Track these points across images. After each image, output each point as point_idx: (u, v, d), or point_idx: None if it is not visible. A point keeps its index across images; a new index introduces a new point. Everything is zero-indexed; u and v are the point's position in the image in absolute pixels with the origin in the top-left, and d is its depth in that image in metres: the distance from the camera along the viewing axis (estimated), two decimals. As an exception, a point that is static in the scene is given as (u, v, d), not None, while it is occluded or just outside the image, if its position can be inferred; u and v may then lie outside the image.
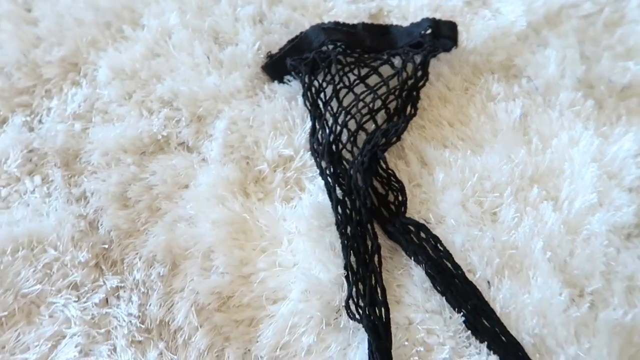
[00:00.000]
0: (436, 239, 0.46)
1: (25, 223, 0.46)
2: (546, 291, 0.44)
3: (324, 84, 0.52)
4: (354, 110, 0.51)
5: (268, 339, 0.43)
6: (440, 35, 0.56)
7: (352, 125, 0.51)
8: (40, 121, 0.52)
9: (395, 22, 0.61)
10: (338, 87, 0.52)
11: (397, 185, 0.49)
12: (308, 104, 0.52)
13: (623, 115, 0.56)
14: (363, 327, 0.42)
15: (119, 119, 0.52)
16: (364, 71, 0.54)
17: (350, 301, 0.43)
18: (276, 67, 0.55)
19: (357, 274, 0.43)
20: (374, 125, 0.51)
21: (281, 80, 0.55)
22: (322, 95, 0.52)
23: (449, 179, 0.50)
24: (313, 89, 0.52)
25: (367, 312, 0.42)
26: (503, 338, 0.42)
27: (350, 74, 0.53)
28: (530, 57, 0.59)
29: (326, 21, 0.59)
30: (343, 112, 0.51)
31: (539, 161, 0.52)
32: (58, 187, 0.48)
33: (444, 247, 0.45)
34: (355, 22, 0.59)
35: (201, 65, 0.55)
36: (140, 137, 0.51)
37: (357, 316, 0.42)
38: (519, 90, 0.56)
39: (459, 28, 0.59)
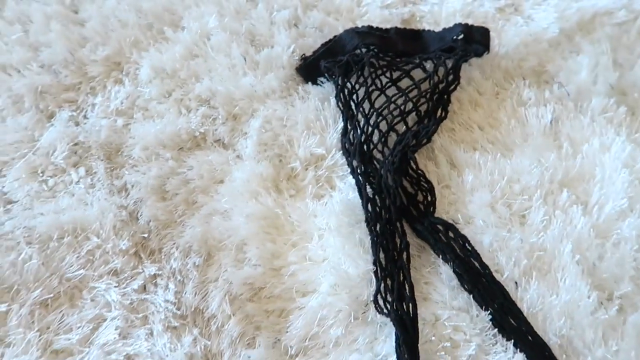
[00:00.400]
0: (464, 239, 0.46)
1: (70, 211, 0.48)
2: (574, 293, 0.44)
3: (357, 86, 0.54)
4: (385, 112, 0.52)
5: (297, 330, 0.44)
6: (473, 40, 0.57)
7: (383, 126, 0.52)
8: (85, 116, 0.54)
9: (427, 28, 0.62)
10: (370, 89, 0.53)
11: (426, 185, 0.50)
12: (341, 105, 0.53)
13: (657, 122, 0.56)
14: (391, 320, 0.43)
15: (159, 115, 0.54)
16: (396, 74, 0.55)
17: (379, 296, 0.44)
18: (310, 69, 0.57)
19: (385, 270, 0.44)
20: (404, 127, 0.52)
21: (315, 82, 0.56)
22: (354, 96, 0.54)
23: (478, 181, 0.50)
24: (346, 91, 0.54)
25: (394, 307, 0.43)
26: (530, 337, 0.42)
27: (382, 77, 0.54)
28: (562, 63, 0.59)
29: (359, 25, 0.60)
30: (375, 113, 0.53)
31: (569, 166, 0.52)
32: (101, 179, 0.50)
33: (472, 247, 0.46)
34: (388, 26, 0.61)
35: (238, 66, 0.57)
36: (179, 134, 0.53)
37: (385, 310, 0.43)
38: (550, 95, 0.56)
39: (491, 34, 0.60)
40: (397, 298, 0.43)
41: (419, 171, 0.50)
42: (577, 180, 0.51)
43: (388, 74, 0.55)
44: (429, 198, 0.49)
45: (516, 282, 0.45)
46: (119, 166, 0.51)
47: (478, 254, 0.46)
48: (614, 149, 0.52)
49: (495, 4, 0.63)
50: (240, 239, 0.47)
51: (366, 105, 0.53)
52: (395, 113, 0.53)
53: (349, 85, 0.54)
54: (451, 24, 0.60)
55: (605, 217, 0.48)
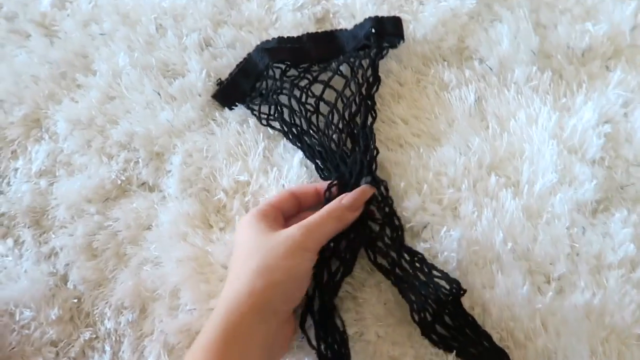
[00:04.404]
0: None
1: (1, 290, 0.48)
2: (510, 283, 0.43)
3: (295, 119, 0.52)
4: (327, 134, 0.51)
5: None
6: (385, 33, 0.55)
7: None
8: (8, 184, 0.54)
9: (342, 23, 0.60)
10: (307, 115, 0.52)
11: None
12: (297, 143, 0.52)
13: (584, 81, 0.54)
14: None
15: (81, 169, 0.53)
16: (317, 89, 0.53)
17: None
18: (226, 93, 0.55)
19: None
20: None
21: (232, 107, 0.55)
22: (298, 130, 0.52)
23: (406, 181, 0.49)
24: (294, 130, 0.52)
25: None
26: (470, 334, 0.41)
27: (310, 99, 0.52)
28: (482, 36, 0.57)
29: (273, 34, 0.58)
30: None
31: (497, 146, 0.50)
32: (29, 247, 0.50)
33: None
34: (302, 30, 0.59)
35: (154, 102, 0.56)
36: (102, 185, 0.52)
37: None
38: (472, 74, 0.55)
39: (406, 17, 0.58)
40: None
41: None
42: (507, 160, 0.50)
43: (311, 92, 0.53)
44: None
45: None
46: (47, 230, 0.51)
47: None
48: (541, 120, 0.51)
49: (411, -18, 0.61)
50: (174, 285, 0.47)
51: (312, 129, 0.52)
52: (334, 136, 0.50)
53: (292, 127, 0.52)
54: (367, 15, 0.58)
55: (536, 196, 0.47)
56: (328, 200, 0.45)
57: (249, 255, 0.40)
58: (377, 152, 0.50)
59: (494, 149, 0.50)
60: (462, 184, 0.48)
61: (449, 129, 0.52)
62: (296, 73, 0.54)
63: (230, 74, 0.56)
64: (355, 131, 0.50)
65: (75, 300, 0.47)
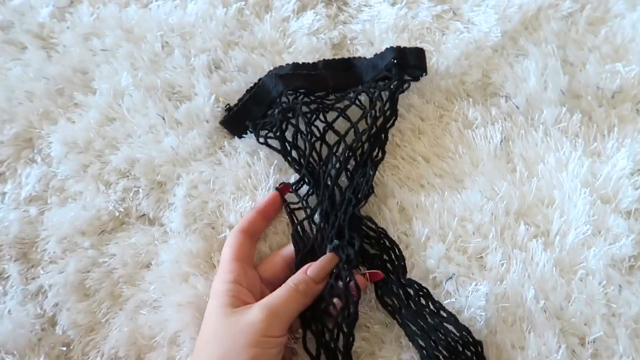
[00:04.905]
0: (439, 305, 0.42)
1: (-19, 332, 0.43)
2: (542, 346, 0.40)
3: (300, 142, 0.49)
4: (329, 165, 0.48)
5: None
6: (407, 64, 0.52)
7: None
8: (-6, 211, 0.50)
9: (360, 50, 0.57)
10: (312, 140, 0.49)
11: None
12: (295, 166, 0.49)
13: (615, 125, 0.51)
14: None
15: (76, 197, 0.49)
16: (331, 117, 0.50)
17: None
18: (236, 120, 0.52)
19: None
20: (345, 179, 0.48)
21: (241, 136, 0.51)
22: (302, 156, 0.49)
23: (429, 227, 0.46)
24: (293, 152, 0.49)
25: None
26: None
27: (318, 122, 0.50)
28: (508, 71, 0.54)
29: (287, 59, 0.55)
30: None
31: (525, 191, 0.47)
32: (14, 284, 0.45)
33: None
34: (317, 56, 0.56)
35: (158, 126, 0.52)
36: (98, 216, 0.48)
37: None
38: (498, 112, 0.52)
39: (428, 48, 0.55)
40: None
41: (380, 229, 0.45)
42: (535, 207, 0.47)
43: (322, 117, 0.50)
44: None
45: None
46: (35, 264, 0.47)
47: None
48: (572, 166, 0.48)
49: (432, 11, 0.58)
50: (173, 332, 0.43)
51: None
52: (332, 171, 0.48)
53: (294, 151, 0.49)
54: (385, 43, 0.55)
55: (569, 248, 0.44)
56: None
57: (209, 340, 0.38)
58: (372, 192, 0.47)
59: (522, 195, 0.47)
60: (488, 231, 0.45)
61: (474, 170, 0.49)
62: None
63: (240, 100, 0.53)
64: (357, 167, 0.48)
65: (64, 348, 0.43)
